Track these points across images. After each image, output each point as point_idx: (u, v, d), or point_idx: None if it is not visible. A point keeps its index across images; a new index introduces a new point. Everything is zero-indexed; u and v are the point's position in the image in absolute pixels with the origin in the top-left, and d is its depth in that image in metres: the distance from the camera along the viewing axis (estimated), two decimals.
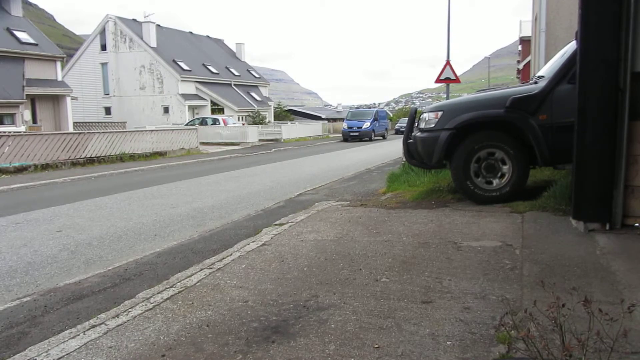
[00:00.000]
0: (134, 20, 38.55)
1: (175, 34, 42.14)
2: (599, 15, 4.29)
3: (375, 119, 32.31)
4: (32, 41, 25.44)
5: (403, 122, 34.50)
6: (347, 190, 9.45)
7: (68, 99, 26.61)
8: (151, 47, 36.23)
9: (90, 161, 16.99)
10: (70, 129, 25.19)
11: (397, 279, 3.64)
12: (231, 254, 4.61)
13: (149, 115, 36.06)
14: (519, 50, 41.55)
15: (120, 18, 37.44)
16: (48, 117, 26.15)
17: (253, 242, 5.05)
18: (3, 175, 13.88)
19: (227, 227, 6.61)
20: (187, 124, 29.51)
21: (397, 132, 34.64)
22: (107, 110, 37.72)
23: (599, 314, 2.01)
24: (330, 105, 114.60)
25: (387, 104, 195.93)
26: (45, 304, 3.98)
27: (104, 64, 37.52)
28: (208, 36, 47.55)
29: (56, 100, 26.41)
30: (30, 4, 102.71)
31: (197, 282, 3.84)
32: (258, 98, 42.84)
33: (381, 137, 33.41)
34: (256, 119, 37.44)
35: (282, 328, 2.89)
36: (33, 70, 24.73)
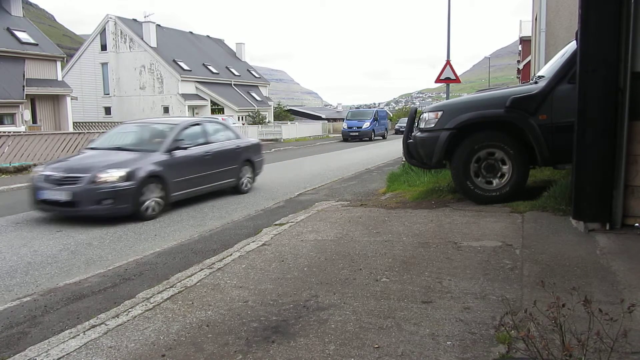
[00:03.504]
0: (134, 20, 38.52)
1: (175, 34, 42.10)
2: (599, 15, 4.29)
3: (375, 119, 32.47)
4: (32, 41, 25.40)
5: (403, 122, 34.73)
6: (347, 190, 9.45)
7: (68, 99, 26.57)
8: (151, 47, 36.20)
9: None
10: (70, 129, 25.11)
11: (397, 279, 3.64)
12: (231, 254, 4.61)
13: (149, 115, 35.92)
14: (519, 50, 41.51)
15: (120, 18, 37.40)
16: (48, 117, 26.12)
17: (253, 242, 5.05)
18: (3, 175, 13.87)
19: (227, 227, 6.61)
20: None
21: (397, 132, 35.41)
22: (107, 110, 37.69)
23: (599, 314, 2.01)
24: (330, 105, 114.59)
25: (387, 104, 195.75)
26: (45, 304, 3.97)
27: (104, 64, 37.49)
28: (208, 36, 47.50)
29: (56, 100, 26.39)
30: (31, 4, 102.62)
31: (197, 282, 3.84)
32: (258, 98, 42.82)
33: (381, 137, 33.48)
34: (256, 119, 37.44)
35: (282, 328, 2.89)
36: (33, 70, 24.70)
